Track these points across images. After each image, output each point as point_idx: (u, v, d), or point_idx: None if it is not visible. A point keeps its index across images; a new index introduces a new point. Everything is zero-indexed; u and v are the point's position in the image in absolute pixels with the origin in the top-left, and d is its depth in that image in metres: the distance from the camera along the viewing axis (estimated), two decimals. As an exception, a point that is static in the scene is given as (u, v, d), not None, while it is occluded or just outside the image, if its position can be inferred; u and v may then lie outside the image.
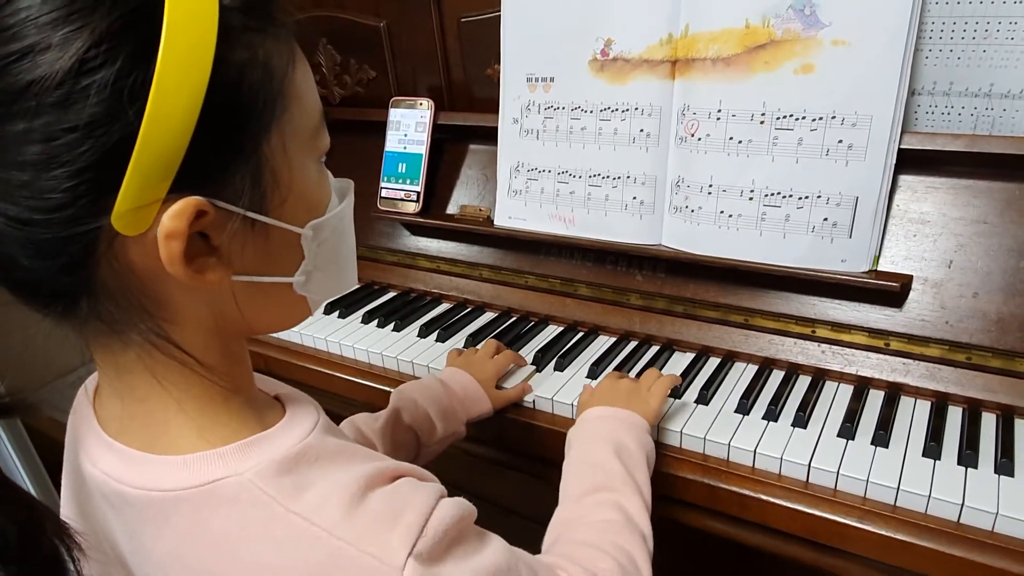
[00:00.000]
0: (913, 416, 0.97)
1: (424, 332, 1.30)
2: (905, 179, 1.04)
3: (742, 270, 1.12)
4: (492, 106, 1.35)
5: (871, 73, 0.99)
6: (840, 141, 1.02)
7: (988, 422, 0.94)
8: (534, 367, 1.16)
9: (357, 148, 1.54)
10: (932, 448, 0.89)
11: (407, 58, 1.52)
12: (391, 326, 1.33)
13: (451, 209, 1.45)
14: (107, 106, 0.41)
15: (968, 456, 0.87)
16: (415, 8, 1.44)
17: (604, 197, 1.24)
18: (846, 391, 1.04)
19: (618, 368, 1.12)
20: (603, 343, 1.23)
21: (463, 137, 1.45)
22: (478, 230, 1.38)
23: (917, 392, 1.02)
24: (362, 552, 0.48)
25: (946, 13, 0.99)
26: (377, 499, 0.51)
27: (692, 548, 1.29)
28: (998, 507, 0.80)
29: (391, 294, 1.48)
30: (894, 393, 1.01)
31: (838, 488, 0.89)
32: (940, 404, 0.98)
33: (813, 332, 1.09)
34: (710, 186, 1.13)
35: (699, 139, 1.12)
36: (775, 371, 1.10)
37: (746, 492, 0.92)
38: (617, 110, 1.20)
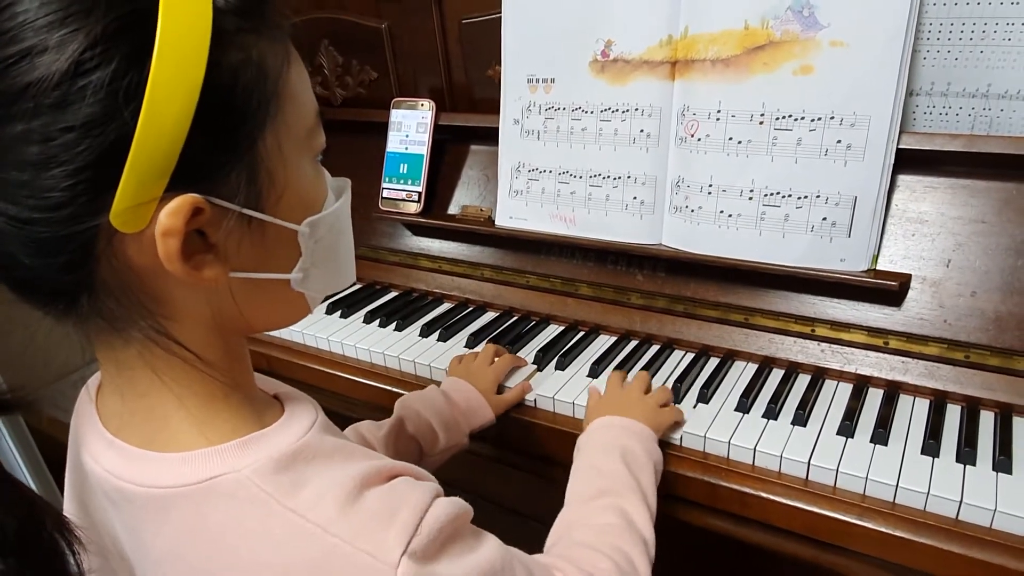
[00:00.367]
0: (912, 414, 0.97)
1: (426, 332, 1.30)
2: (903, 179, 1.04)
3: (742, 269, 1.13)
4: (493, 107, 1.36)
5: (869, 74, 1.00)
6: (839, 141, 1.03)
7: (986, 420, 0.94)
8: (535, 366, 1.17)
9: (358, 149, 1.55)
10: (931, 446, 0.89)
11: (408, 59, 1.52)
12: (393, 326, 1.34)
13: (452, 209, 1.45)
14: (103, 106, 0.42)
15: (966, 454, 0.88)
16: (416, 10, 1.45)
17: (605, 197, 1.24)
18: (845, 389, 1.04)
19: (619, 367, 1.13)
20: (604, 342, 1.24)
21: (464, 138, 1.46)
22: (479, 230, 1.39)
23: (916, 390, 1.02)
24: (357, 549, 0.49)
25: (944, 14, 1.00)
26: (373, 497, 0.52)
27: (692, 546, 1.29)
28: (996, 504, 0.80)
29: (393, 294, 1.49)
30: (893, 391, 1.02)
31: (838, 486, 0.89)
32: (939, 402, 0.99)
33: (813, 331, 1.10)
34: (710, 186, 1.13)
35: (699, 139, 1.13)
36: (775, 370, 1.11)
37: (746, 490, 0.92)
38: (617, 111, 1.21)
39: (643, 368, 1.12)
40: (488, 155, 1.42)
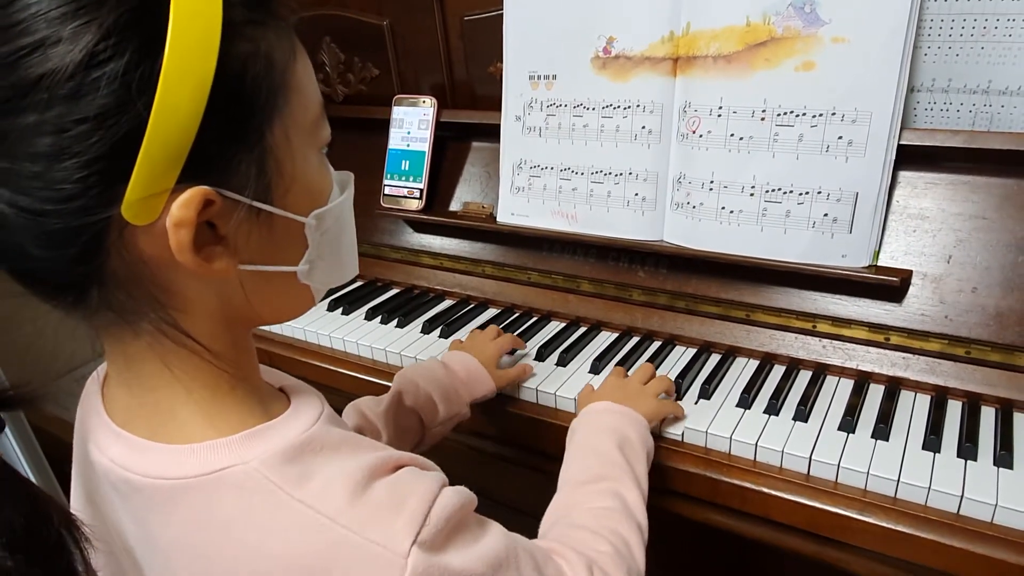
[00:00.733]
0: (913, 410, 0.98)
1: (427, 328, 1.31)
2: (904, 175, 1.05)
3: (743, 266, 1.13)
4: (495, 104, 1.36)
5: (871, 70, 1.00)
6: (840, 137, 1.03)
7: (987, 416, 0.95)
8: (537, 362, 1.17)
9: (360, 146, 1.55)
10: (932, 441, 0.90)
11: (410, 56, 1.53)
12: (394, 322, 1.34)
13: (454, 206, 1.45)
14: (116, 98, 0.42)
15: (967, 449, 0.88)
16: (418, 6, 1.45)
17: (606, 194, 1.25)
18: (847, 385, 1.04)
19: (620, 364, 1.13)
20: (605, 339, 1.24)
21: (466, 134, 1.46)
22: (481, 227, 1.39)
23: (917, 386, 1.02)
24: (366, 540, 0.49)
25: (945, 10, 1.00)
26: (381, 488, 0.52)
27: (694, 541, 1.29)
28: (997, 499, 0.81)
29: (394, 291, 1.49)
30: (894, 387, 1.02)
31: (839, 481, 0.89)
32: (940, 398, 0.99)
33: (814, 327, 1.10)
34: (711, 182, 1.13)
35: (700, 136, 1.13)
36: (776, 366, 1.11)
37: (748, 485, 0.92)
38: (619, 107, 1.21)
39: (645, 364, 1.12)
40: (490, 152, 1.42)
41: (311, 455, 0.52)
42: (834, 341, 1.09)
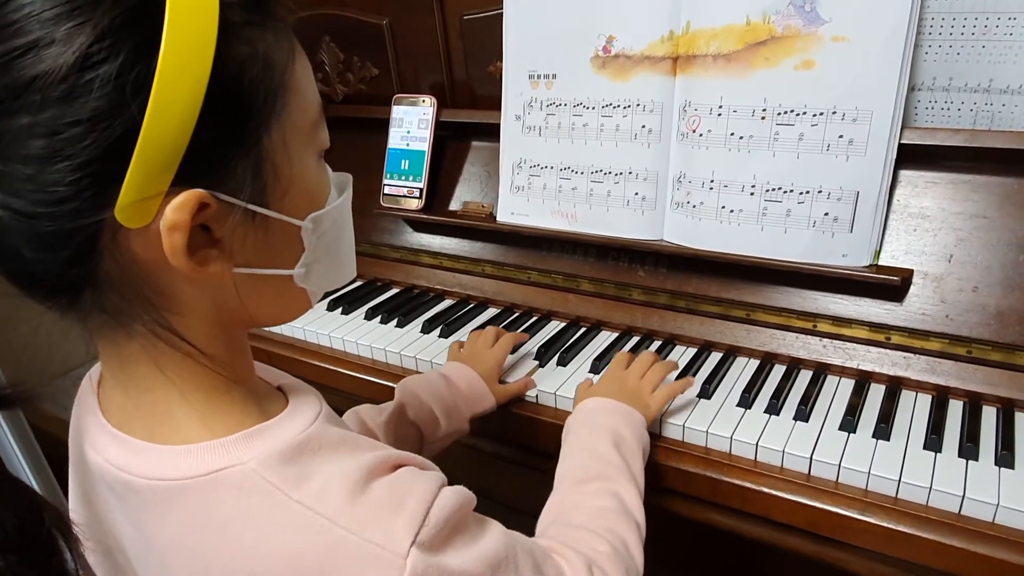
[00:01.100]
0: (914, 409, 0.97)
1: (427, 328, 1.30)
2: (905, 174, 1.05)
3: (744, 265, 1.13)
4: (494, 103, 1.35)
5: (871, 69, 0.99)
6: (840, 136, 1.03)
7: (988, 415, 0.95)
8: (537, 362, 1.17)
9: (360, 145, 1.55)
10: (933, 441, 0.90)
11: (410, 56, 1.52)
12: (394, 322, 1.34)
13: (454, 206, 1.45)
14: (110, 100, 0.41)
15: (969, 449, 0.88)
16: (417, 6, 1.45)
17: (606, 193, 1.24)
18: (847, 385, 1.04)
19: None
20: (605, 338, 1.24)
21: (465, 134, 1.46)
22: (481, 226, 1.39)
23: (918, 386, 1.02)
24: (365, 540, 0.49)
25: (945, 9, 1.00)
26: (379, 488, 0.52)
27: (694, 540, 1.29)
28: (999, 499, 0.81)
29: (394, 290, 1.49)
30: (895, 387, 1.02)
31: (840, 481, 0.89)
32: (941, 397, 0.99)
33: (814, 327, 1.10)
34: (711, 182, 1.13)
35: (700, 135, 1.13)
36: (777, 365, 1.11)
37: (748, 485, 0.92)
38: (619, 106, 1.21)
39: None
40: (489, 151, 1.42)
41: (309, 455, 0.52)
42: (835, 341, 1.09)
